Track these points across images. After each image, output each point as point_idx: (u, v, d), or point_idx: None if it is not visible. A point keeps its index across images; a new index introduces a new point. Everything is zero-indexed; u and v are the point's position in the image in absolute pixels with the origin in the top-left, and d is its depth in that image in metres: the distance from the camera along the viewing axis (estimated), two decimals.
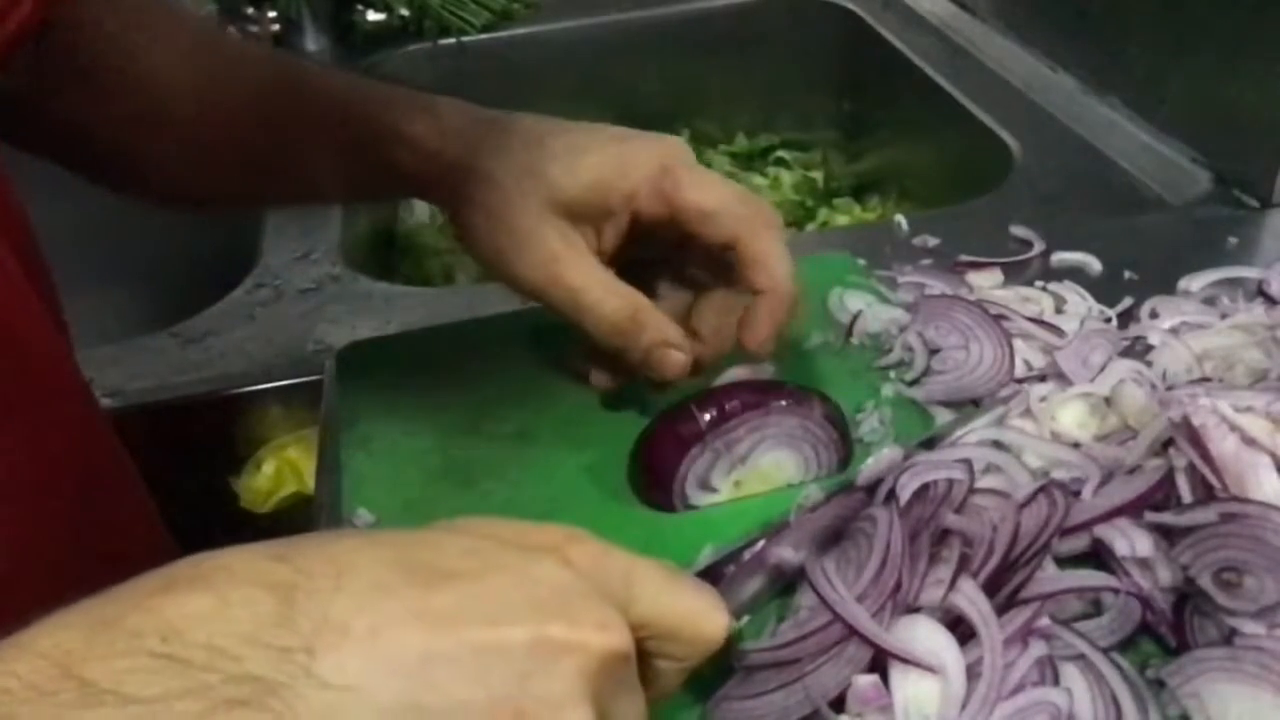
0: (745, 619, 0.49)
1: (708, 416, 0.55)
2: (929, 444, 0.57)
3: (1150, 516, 0.49)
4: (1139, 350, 0.63)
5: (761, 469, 0.56)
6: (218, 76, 0.64)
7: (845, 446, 0.57)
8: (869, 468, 0.54)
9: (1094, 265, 0.76)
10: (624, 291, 0.56)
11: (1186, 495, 0.49)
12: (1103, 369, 0.60)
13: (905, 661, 0.44)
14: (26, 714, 0.28)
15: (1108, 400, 0.58)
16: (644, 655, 0.38)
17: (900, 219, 0.85)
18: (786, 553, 0.50)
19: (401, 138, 0.59)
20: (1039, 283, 0.72)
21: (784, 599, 0.50)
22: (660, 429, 0.57)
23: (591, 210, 0.56)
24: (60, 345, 0.56)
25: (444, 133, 0.58)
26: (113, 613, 0.30)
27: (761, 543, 0.51)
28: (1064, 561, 0.50)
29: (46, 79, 0.61)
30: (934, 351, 0.64)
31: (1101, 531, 0.49)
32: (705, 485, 0.56)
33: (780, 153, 1.38)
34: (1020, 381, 0.61)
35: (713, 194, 0.55)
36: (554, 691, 0.33)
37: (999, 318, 0.64)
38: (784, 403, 0.56)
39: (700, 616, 0.39)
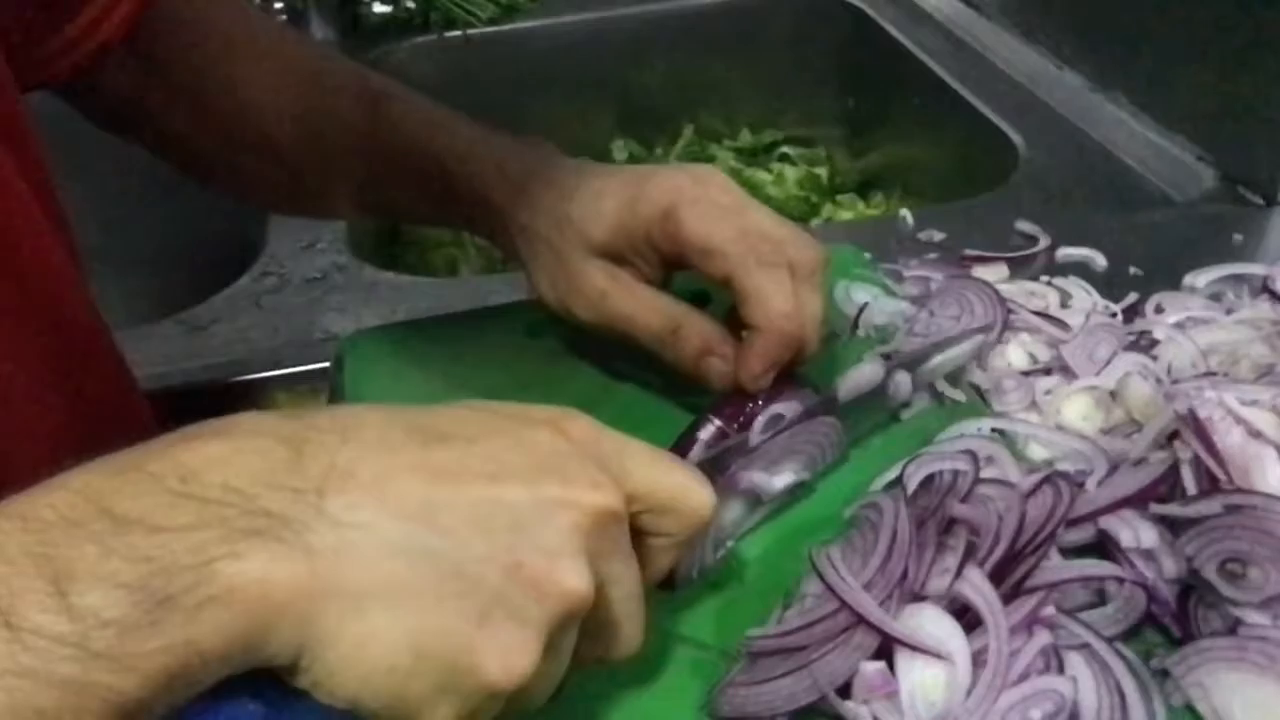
0: (730, 544, 0.51)
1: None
2: (908, 366, 0.59)
3: (1155, 508, 0.49)
4: (1144, 345, 0.63)
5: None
6: (315, 109, 0.67)
7: (843, 430, 0.57)
8: (849, 381, 0.56)
9: (1099, 261, 0.76)
10: (666, 309, 0.58)
11: (1191, 487, 0.49)
12: (1108, 363, 0.60)
13: (912, 649, 0.44)
14: (61, 539, 0.30)
15: (1113, 394, 0.58)
16: (637, 534, 0.41)
17: (905, 213, 0.85)
18: (759, 476, 0.52)
19: (477, 199, 0.62)
20: (1044, 278, 0.72)
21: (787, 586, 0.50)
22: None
23: (619, 249, 0.58)
24: (106, 333, 0.60)
25: (510, 191, 0.61)
26: (135, 460, 0.33)
27: (733, 467, 0.52)
28: (1069, 552, 0.50)
29: (150, 90, 0.65)
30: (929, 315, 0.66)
31: (1106, 523, 0.49)
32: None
33: (785, 148, 1.38)
34: (1026, 375, 0.62)
35: (711, 231, 0.55)
36: (550, 542, 0.36)
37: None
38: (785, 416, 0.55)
39: (688, 491, 0.42)
